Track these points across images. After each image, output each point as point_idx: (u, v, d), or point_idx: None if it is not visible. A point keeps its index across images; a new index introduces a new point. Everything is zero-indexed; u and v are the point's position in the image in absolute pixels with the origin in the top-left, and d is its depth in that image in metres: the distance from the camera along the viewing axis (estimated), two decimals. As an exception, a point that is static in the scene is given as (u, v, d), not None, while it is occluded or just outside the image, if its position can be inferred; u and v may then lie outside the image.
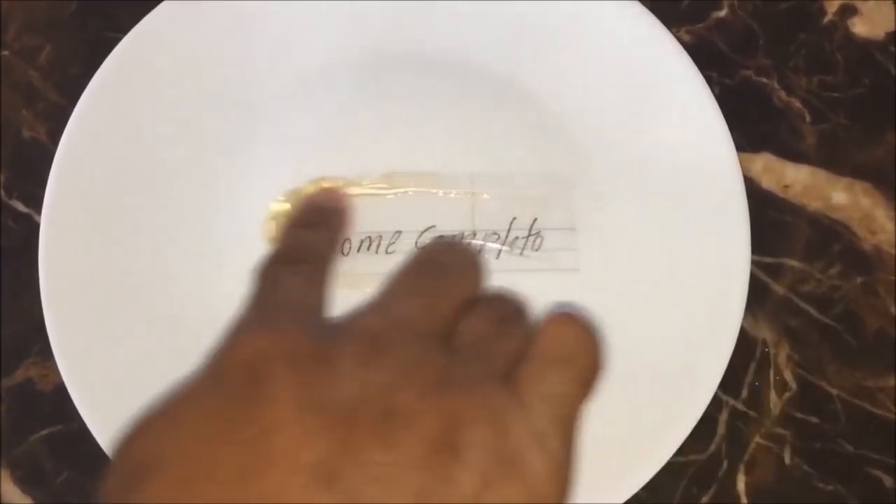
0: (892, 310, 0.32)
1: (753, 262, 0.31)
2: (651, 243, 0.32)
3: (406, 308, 0.22)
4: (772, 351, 0.32)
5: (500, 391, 0.20)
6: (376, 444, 0.18)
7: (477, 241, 0.32)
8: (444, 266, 0.24)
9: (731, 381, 0.31)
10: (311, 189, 0.32)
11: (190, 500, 0.17)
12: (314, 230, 0.30)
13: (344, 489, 0.17)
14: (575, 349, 0.22)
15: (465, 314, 0.23)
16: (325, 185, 0.33)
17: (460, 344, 0.22)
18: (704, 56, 0.33)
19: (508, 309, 0.23)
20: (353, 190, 0.32)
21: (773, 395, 0.32)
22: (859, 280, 0.33)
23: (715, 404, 0.31)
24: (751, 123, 0.34)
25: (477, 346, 0.22)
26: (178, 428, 0.19)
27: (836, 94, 0.35)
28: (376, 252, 0.32)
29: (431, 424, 0.18)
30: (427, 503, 0.18)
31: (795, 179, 0.34)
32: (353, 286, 0.31)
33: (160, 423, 0.19)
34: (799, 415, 0.32)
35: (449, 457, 0.18)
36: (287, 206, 0.32)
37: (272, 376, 0.19)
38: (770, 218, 0.33)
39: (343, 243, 0.32)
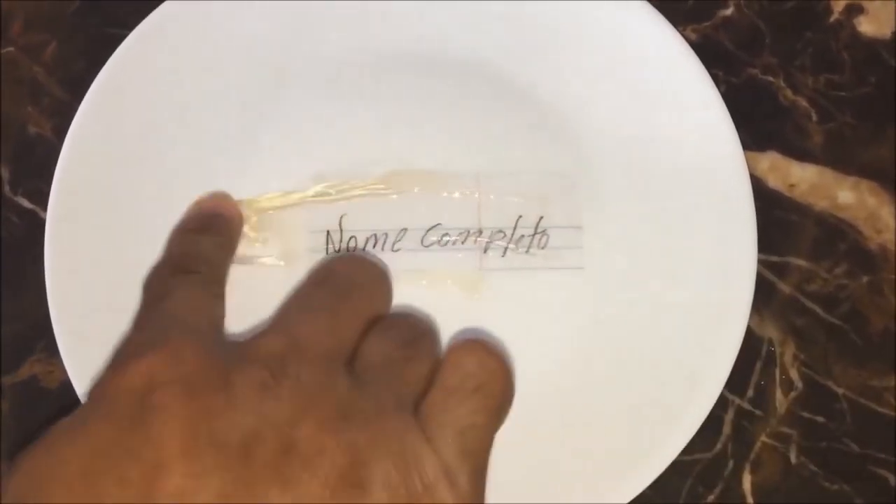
0: (899, 309, 0.32)
1: (759, 261, 0.31)
2: (657, 242, 0.32)
3: (308, 327, 0.20)
4: (778, 350, 0.32)
5: (406, 423, 0.19)
6: (276, 486, 0.17)
7: (482, 239, 0.32)
8: (350, 282, 0.23)
9: (737, 380, 0.31)
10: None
11: None
12: (204, 235, 0.28)
13: None
14: (481, 378, 0.21)
15: (370, 334, 0.22)
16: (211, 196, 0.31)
17: (364, 367, 0.21)
18: (710, 54, 0.33)
19: (415, 332, 0.22)
20: (357, 190, 0.32)
21: (779, 395, 0.32)
22: (865, 279, 0.33)
23: (721, 403, 0.31)
24: (757, 122, 0.34)
25: (381, 371, 0.21)
26: (62, 464, 0.17)
27: (842, 93, 0.34)
28: (382, 249, 0.32)
29: (334, 461, 0.17)
30: None
31: (801, 178, 0.34)
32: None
33: (45, 459, 0.18)
34: (805, 414, 0.32)
35: (354, 494, 0.17)
36: (266, 206, 0.32)
37: (161, 406, 0.17)
38: (776, 217, 0.33)
39: (232, 255, 0.30)
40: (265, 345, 0.20)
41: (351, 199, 0.32)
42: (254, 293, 0.32)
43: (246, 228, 0.32)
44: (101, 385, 0.19)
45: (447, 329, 0.31)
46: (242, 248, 0.32)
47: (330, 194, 0.32)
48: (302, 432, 0.17)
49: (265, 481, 0.17)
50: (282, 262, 0.32)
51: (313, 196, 0.32)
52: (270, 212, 0.32)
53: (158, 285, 0.23)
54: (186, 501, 0.16)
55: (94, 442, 0.17)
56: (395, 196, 0.32)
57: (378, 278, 0.24)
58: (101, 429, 0.18)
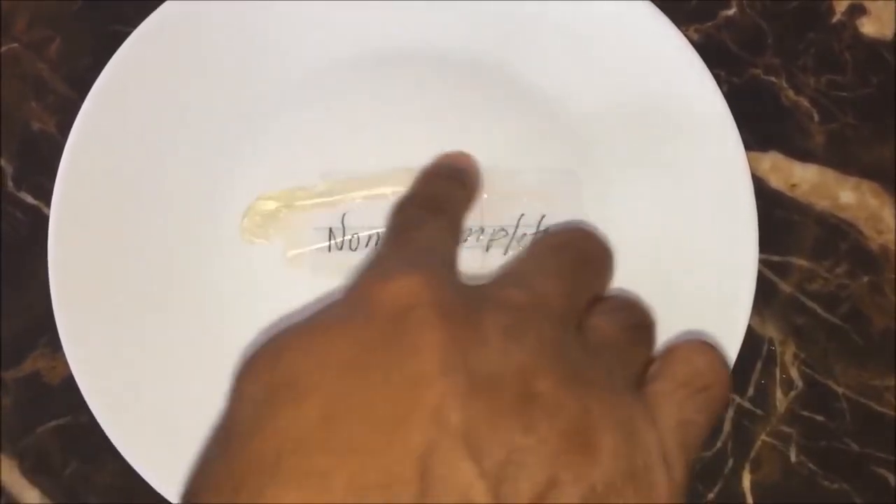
0: (899, 309, 0.33)
1: (761, 261, 0.31)
2: (658, 240, 0.32)
3: (548, 287, 0.21)
4: (778, 349, 0.32)
5: (635, 402, 0.19)
6: (518, 425, 0.17)
7: (484, 238, 0.32)
8: (585, 254, 0.23)
9: (737, 378, 0.31)
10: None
11: (335, 437, 0.17)
12: (451, 182, 0.29)
13: (489, 465, 0.16)
14: (710, 379, 0.21)
15: (596, 310, 0.22)
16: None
17: (591, 340, 0.21)
18: (713, 54, 0.33)
19: (640, 318, 0.23)
20: (360, 188, 0.33)
21: (779, 394, 0.32)
22: (866, 279, 0.33)
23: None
24: (759, 122, 0.34)
25: (608, 349, 0.21)
26: (325, 353, 0.18)
27: (844, 94, 0.35)
28: (384, 247, 0.32)
29: (571, 418, 0.18)
30: (551, 498, 0.17)
31: (803, 178, 0.34)
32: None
33: (306, 342, 0.19)
34: (805, 413, 0.32)
35: (582, 454, 0.17)
36: (269, 205, 0.32)
37: (422, 322, 0.18)
38: (778, 217, 0.33)
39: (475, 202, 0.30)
40: (509, 294, 0.20)
41: (354, 197, 0.33)
42: (254, 289, 0.32)
43: (248, 224, 0.32)
44: (361, 290, 0.20)
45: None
46: (245, 247, 0.32)
47: (333, 192, 0.33)
48: (542, 384, 0.18)
49: (510, 420, 0.17)
50: (285, 260, 0.32)
51: (318, 195, 0.33)
52: (273, 208, 0.32)
53: (406, 217, 0.24)
54: (442, 416, 0.17)
55: (361, 339, 0.18)
56: (397, 194, 0.32)
57: (607, 255, 0.24)
58: (366, 329, 0.18)
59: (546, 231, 0.24)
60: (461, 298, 0.19)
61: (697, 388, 0.21)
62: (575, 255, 0.23)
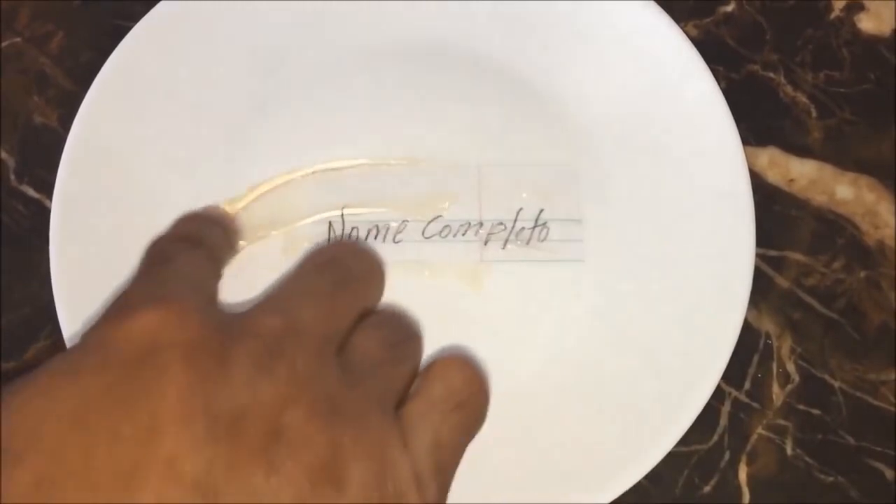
0: (895, 304, 0.33)
1: (758, 255, 0.31)
2: (656, 235, 0.32)
3: (306, 311, 0.20)
4: (775, 343, 0.32)
5: (388, 427, 0.19)
6: (261, 467, 0.16)
7: (482, 232, 0.32)
8: (349, 272, 0.23)
9: (734, 372, 0.31)
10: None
11: (57, 500, 0.15)
12: (210, 223, 0.28)
13: None
14: (464, 395, 0.21)
15: (360, 328, 0.22)
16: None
17: (352, 361, 0.20)
18: (711, 50, 0.33)
19: (404, 333, 0.22)
20: (359, 182, 0.33)
21: (775, 387, 0.32)
22: (863, 274, 0.33)
23: (718, 395, 0.31)
24: (757, 118, 0.34)
25: (369, 368, 0.20)
26: (53, 409, 0.17)
27: (842, 90, 0.35)
28: (383, 241, 0.32)
29: (318, 454, 0.17)
30: None
31: (801, 174, 0.34)
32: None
33: (26, 399, 0.17)
34: (801, 406, 0.32)
35: (331, 490, 0.17)
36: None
37: (164, 366, 0.17)
38: (775, 211, 0.34)
39: (230, 259, 0.29)
40: (263, 321, 0.19)
41: (353, 190, 0.33)
42: (255, 285, 0.32)
43: (248, 217, 0.32)
44: (99, 332, 0.19)
45: (446, 320, 0.31)
46: (246, 238, 0.32)
47: (331, 177, 0.33)
48: (291, 419, 0.17)
49: (251, 462, 0.17)
50: (284, 253, 0.32)
51: (315, 179, 0.33)
52: (273, 203, 0.33)
53: (162, 250, 0.23)
54: (175, 469, 0.16)
55: (90, 390, 0.17)
56: (397, 187, 0.33)
57: (375, 271, 0.24)
58: (98, 378, 0.17)
59: (311, 250, 0.23)
60: (211, 332, 0.18)
61: (452, 407, 0.20)
62: (338, 274, 0.22)
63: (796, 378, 0.32)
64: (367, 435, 0.18)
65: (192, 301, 0.19)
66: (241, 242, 0.31)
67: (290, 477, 0.17)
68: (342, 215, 0.33)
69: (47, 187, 0.32)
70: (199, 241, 0.25)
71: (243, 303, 0.21)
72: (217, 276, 0.23)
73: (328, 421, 0.18)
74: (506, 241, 0.32)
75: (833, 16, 0.35)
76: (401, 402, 0.21)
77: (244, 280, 0.32)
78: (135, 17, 0.32)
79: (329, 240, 0.32)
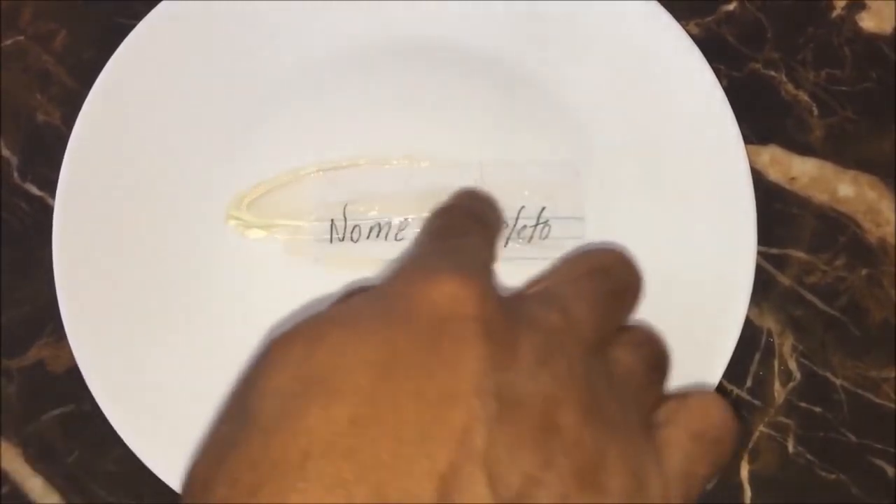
0: (896, 301, 0.33)
1: (759, 253, 0.31)
2: (658, 234, 0.32)
3: (582, 313, 0.21)
4: (776, 341, 0.32)
5: (647, 445, 0.20)
6: (538, 458, 0.17)
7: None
8: (621, 283, 0.23)
9: (735, 370, 0.31)
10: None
11: (363, 446, 0.16)
12: (487, 203, 0.29)
13: (506, 494, 0.16)
14: (721, 433, 0.21)
15: (621, 342, 0.22)
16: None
17: (615, 373, 0.21)
18: (713, 49, 0.33)
19: (657, 352, 0.23)
20: (361, 179, 0.33)
21: (777, 385, 0.32)
22: (864, 272, 0.33)
23: (720, 393, 0.31)
24: (758, 116, 0.34)
25: (627, 384, 0.21)
26: (361, 352, 0.18)
27: (843, 88, 0.35)
28: (385, 238, 0.32)
29: (588, 455, 0.18)
30: None
31: (802, 172, 0.34)
32: (363, 270, 0.31)
33: (341, 337, 0.18)
34: (802, 404, 0.32)
35: (593, 494, 0.17)
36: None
37: (464, 337, 0.18)
38: (776, 210, 0.34)
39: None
40: (544, 315, 0.20)
41: (355, 188, 0.33)
42: (258, 279, 0.32)
43: (250, 216, 0.33)
44: (401, 287, 0.19)
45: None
46: (248, 237, 0.32)
47: (333, 175, 0.33)
48: (566, 417, 0.18)
49: (531, 450, 0.17)
50: (286, 251, 0.32)
51: (316, 178, 0.33)
52: (275, 201, 0.33)
53: (450, 222, 0.24)
54: (468, 438, 0.16)
55: (398, 343, 0.18)
56: (398, 185, 0.33)
57: (640, 285, 0.24)
58: (404, 332, 0.18)
59: (585, 249, 0.23)
60: (502, 313, 0.19)
61: (708, 442, 0.21)
62: (612, 283, 0.23)
63: (798, 376, 0.32)
64: (629, 448, 0.19)
65: (486, 279, 0.20)
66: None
67: (561, 473, 0.17)
68: (344, 213, 0.33)
69: (50, 185, 0.33)
70: (483, 220, 0.25)
71: (511, 288, 0.21)
72: (494, 259, 0.24)
73: (599, 426, 0.18)
74: (507, 239, 0.32)
75: (834, 14, 0.36)
76: (650, 422, 0.21)
77: (245, 280, 0.32)
78: (137, 16, 0.33)
79: (331, 239, 0.32)
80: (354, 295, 0.21)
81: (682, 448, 0.20)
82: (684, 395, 0.22)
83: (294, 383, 0.18)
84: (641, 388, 0.21)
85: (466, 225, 0.24)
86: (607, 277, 0.23)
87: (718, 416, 0.21)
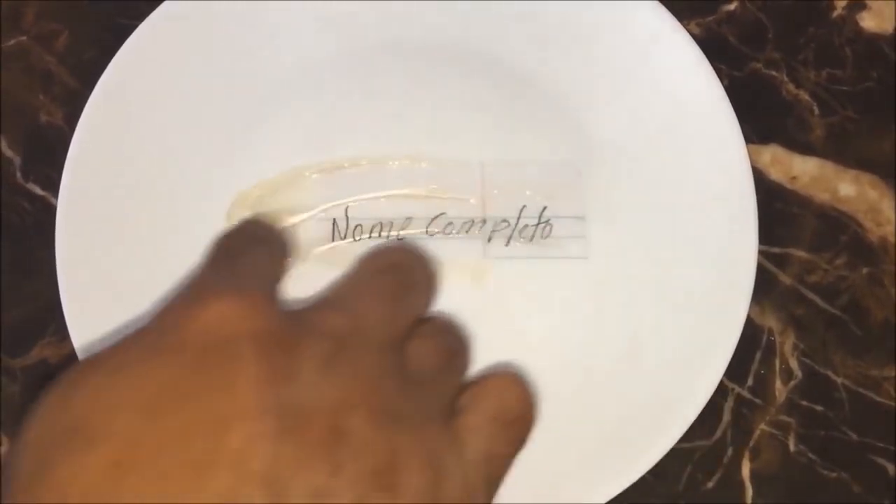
0: (898, 300, 0.33)
1: (761, 253, 0.31)
2: (659, 233, 0.32)
3: (370, 311, 0.20)
4: (778, 340, 0.32)
5: (444, 437, 0.19)
6: (325, 467, 0.16)
7: (486, 229, 0.32)
8: (411, 276, 0.23)
9: (737, 368, 0.31)
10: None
11: (126, 488, 0.15)
12: (272, 230, 0.27)
13: None
14: (518, 412, 0.21)
15: (415, 335, 0.22)
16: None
17: (409, 368, 0.21)
18: (714, 49, 0.33)
19: (458, 343, 0.22)
20: (363, 177, 0.33)
21: (778, 383, 0.32)
22: (865, 271, 0.33)
23: (721, 391, 0.31)
24: (759, 116, 0.34)
25: (424, 377, 0.21)
26: (122, 392, 0.17)
27: (844, 88, 0.35)
28: (387, 237, 0.32)
29: (377, 458, 0.17)
30: None
31: (803, 171, 0.34)
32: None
33: (101, 380, 0.17)
34: (804, 403, 0.32)
35: (386, 494, 0.17)
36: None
37: (237, 357, 0.17)
38: (777, 209, 0.34)
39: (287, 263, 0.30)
40: (329, 319, 0.19)
41: (357, 187, 0.33)
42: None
43: (253, 216, 0.33)
44: (173, 315, 0.19)
45: (452, 318, 0.31)
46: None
47: (335, 175, 0.33)
48: (353, 422, 0.17)
49: (317, 461, 0.17)
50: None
51: (318, 177, 0.33)
52: (277, 201, 0.33)
53: (232, 244, 0.23)
54: (245, 463, 0.16)
55: (164, 377, 0.17)
56: (400, 185, 0.33)
57: (434, 278, 0.24)
58: (172, 365, 0.17)
59: (374, 249, 0.23)
60: (281, 324, 0.18)
61: (507, 422, 0.21)
62: (400, 278, 0.22)
63: (799, 374, 0.32)
64: (424, 443, 0.18)
65: (264, 293, 0.19)
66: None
67: (351, 479, 0.17)
68: (346, 212, 0.33)
69: (52, 185, 0.33)
70: (266, 240, 0.25)
71: (301, 300, 0.22)
72: (280, 278, 0.23)
73: (389, 426, 0.18)
74: (509, 238, 0.32)
75: (835, 14, 0.36)
76: (450, 411, 0.21)
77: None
78: (139, 17, 0.33)
79: (333, 238, 0.32)
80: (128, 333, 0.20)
81: (481, 432, 0.20)
82: (484, 378, 0.22)
83: (51, 434, 0.16)
84: (437, 378, 0.21)
85: (244, 244, 0.23)
86: (395, 273, 0.22)
87: (514, 395, 0.21)
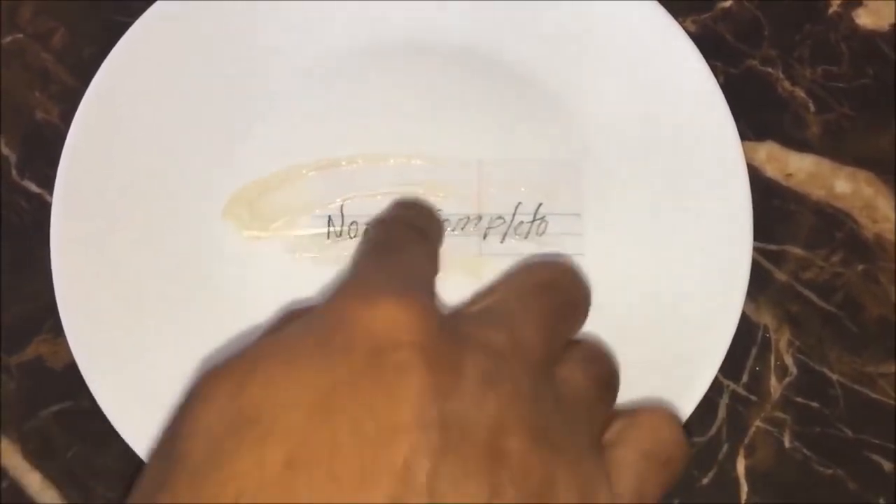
0: (893, 297, 0.33)
1: (756, 249, 0.31)
2: (655, 229, 0.32)
3: (529, 331, 0.20)
4: (773, 336, 0.32)
5: (597, 468, 0.19)
6: (484, 488, 0.17)
7: (481, 225, 0.32)
8: (568, 298, 0.23)
9: (732, 365, 0.31)
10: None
11: (298, 488, 0.16)
12: (429, 214, 0.28)
13: None
14: (672, 452, 0.21)
15: (569, 359, 0.22)
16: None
17: (563, 392, 0.20)
18: (710, 46, 0.33)
19: (607, 370, 0.22)
20: (358, 174, 0.33)
21: (773, 380, 0.32)
22: (861, 268, 0.33)
23: (716, 388, 0.31)
24: (755, 113, 0.34)
25: (578, 403, 0.20)
26: (295, 387, 0.17)
27: (840, 85, 0.35)
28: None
29: (534, 482, 0.17)
30: None
31: (799, 168, 0.34)
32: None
33: (273, 372, 0.17)
34: (799, 399, 0.32)
35: None
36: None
37: (405, 366, 0.17)
38: (773, 206, 0.34)
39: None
40: (490, 334, 0.19)
41: (353, 184, 0.33)
42: (255, 276, 0.32)
43: (247, 214, 0.33)
44: (340, 312, 0.18)
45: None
46: (245, 234, 0.32)
47: (330, 172, 0.33)
48: (513, 442, 0.17)
49: (477, 480, 0.17)
50: (284, 248, 0.33)
51: (314, 174, 0.33)
52: (272, 198, 0.33)
53: (391, 235, 0.23)
54: (409, 474, 0.16)
55: (335, 376, 0.17)
56: (396, 183, 0.33)
57: (588, 299, 0.24)
58: (343, 364, 0.17)
59: (530, 263, 0.23)
60: (444, 336, 0.18)
61: (660, 461, 0.21)
62: (559, 298, 0.22)
63: (794, 371, 0.32)
64: (579, 471, 0.18)
65: (428, 298, 0.19)
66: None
67: (506, 499, 0.17)
68: (341, 210, 0.33)
69: (49, 183, 0.33)
70: (425, 233, 0.25)
71: (454, 306, 0.21)
72: (437, 273, 0.23)
73: (546, 450, 0.18)
74: (505, 235, 0.32)
75: (831, 11, 0.36)
76: (600, 441, 0.21)
77: (243, 277, 0.32)
78: (136, 14, 0.33)
79: (328, 234, 0.32)
80: (291, 320, 0.21)
81: (632, 468, 0.20)
82: (634, 413, 0.22)
83: (224, 423, 0.17)
84: (590, 407, 0.21)
85: (406, 238, 0.24)
86: (554, 293, 0.22)
87: (669, 435, 0.21)
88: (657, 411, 0.22)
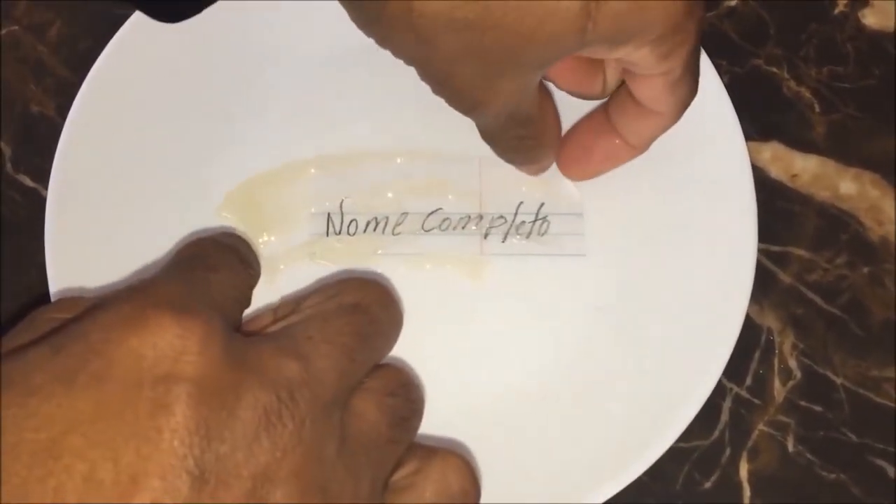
0: (898, 300, 0.32)
1: (760, 251, 0.31)
2: (657, 230, 0.32)
3: (325, 363, 0.19)
4: (777, 339, 0.32)
5: None
6: None
7: (482, 224, 0.32)
8: (374, 322, 0.21)
9: (735, 368, 0.31)
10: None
11: None
12: (249, 248, 0.25)
13: None
14: (459, 499, 0.20)
15: (368, 389, 0.20)
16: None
17: (355, 429, 0.19)
18: (715, 44, 0.33)
19: (410, 409, 0.21)
20: (358, 173, 0.33)
21: (777, 383, 0.32)
22: (866, 270, 0.33)
23: (719, 391, 0.31)
24: (760, 113, 0.34)
25: (366, 445, 0.19)
26: (22, 428, 0.15)
27: (845, 85, 0.35)
28: (382, 233, 0.32)
29: None
30: None
31: (804, 169, 0.34)
32: (359, 265, 0.31)
33: (11, 407, 0.15)
34: (803, 403, 0.32)
35: None
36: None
37: (165, 404, 0.15)
38: (778, 207, 0.33)
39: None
40: (282, 364, 0.18)
41: (352, 182, 0.32)
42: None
43: (245, 210, 0.32)
44: (108, 328, 0.16)
45: (445, 313, 0.31)
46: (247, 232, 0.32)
47: (330, 169, 0.32)
48: (278, 494, 0.16)
49: None
50: (283, 247, 0.32)
51: (313, 171, 0.32)
52: (272, 195, 0.32)
53: (207, 253, 0.21)
54: None
55: (75, 412, 0.15)
56: (397, 180, 0.32)
57: (398, 324, 0.22)
58: (87, 398, 0.15)
59: (344, 278, 0.21)
60: (227, 364, 0.17)
61: None
62: (362, 324, 0.21)
63: (798, 374, 0.32)
64: None
65: (219, 323, 0.18)
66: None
67: None
68: (341, 208, 0.32)
69: (44, 176, 0.32)
70: (244, 259, 0.23)
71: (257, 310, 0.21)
72: (247, 303, 0.22)
73: (317, 501, 0.17)
74: (506, 235, 0.32)
75: (837, 11, 0.35)
76: (387, 485, 0.20)
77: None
78: (132, 7, 0.32)
79: (328, 232, 0.32)
80: (41, 335, 0.18)
81: None
82: (427, 457, 0.21)
83: None
84: (380, 448, 0.20)
85: (218, 257, 0.21)
86: (360, 316, 0.21)
87: (457, 483, 0.20)
88: (448, 458, 0.21)
